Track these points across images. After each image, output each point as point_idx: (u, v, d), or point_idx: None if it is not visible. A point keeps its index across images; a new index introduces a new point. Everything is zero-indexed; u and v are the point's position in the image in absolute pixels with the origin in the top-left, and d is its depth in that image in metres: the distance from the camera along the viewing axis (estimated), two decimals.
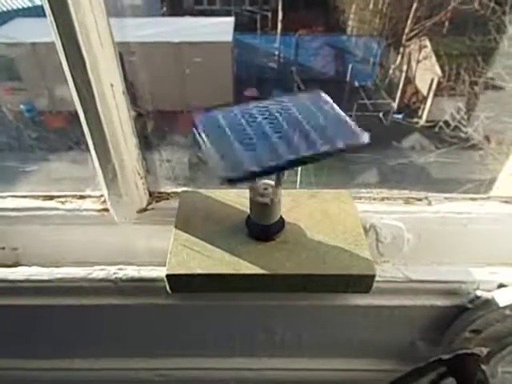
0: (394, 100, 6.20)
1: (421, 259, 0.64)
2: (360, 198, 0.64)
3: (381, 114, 5.82)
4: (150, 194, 0.65)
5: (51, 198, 0.66)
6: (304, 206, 0.58)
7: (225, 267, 0.50)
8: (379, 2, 6.43)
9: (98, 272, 0.55)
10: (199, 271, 0.50)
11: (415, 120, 5.64)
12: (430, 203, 0.65)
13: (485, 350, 0.56)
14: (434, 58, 5.91)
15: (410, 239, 0.62)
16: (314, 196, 0.60)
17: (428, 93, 5.80)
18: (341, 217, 0.57)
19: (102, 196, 0.64)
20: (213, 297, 0.57)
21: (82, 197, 0.65)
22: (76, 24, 0.43)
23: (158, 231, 0.63)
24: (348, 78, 6.33)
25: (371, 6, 6.49)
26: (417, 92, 6.17)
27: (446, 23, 6.24)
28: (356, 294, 0.55)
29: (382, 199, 0.65)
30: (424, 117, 5.64)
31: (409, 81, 6.35)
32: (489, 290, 0.52)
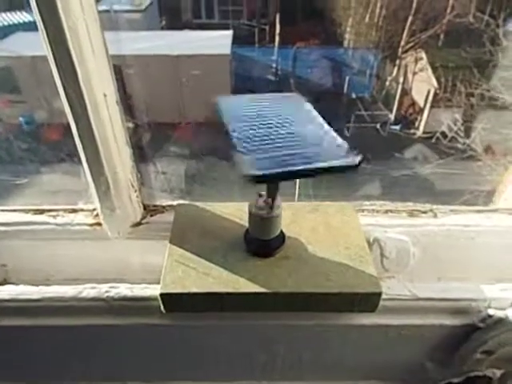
0: (391, 111, 6.25)
1: (426, 275, 0.61)
2: (362, 211, 0.62)
3: (378, 125, 5.84)
4: (145, 208, 0.63)
5: (42, 211, 0.63)
6: (305, 220, 0.56)
7: (222, 286, 0.47)
8: (375, 16, 6.51)
9: (88, 290, 0.52)
10: (195, 290, 0.47)
11: (412, 131, 5.66)
12: (435, 216, 0.62)
13: (498, 373, 0.53)
14: (429, 70, 5.96)
15: (416, 253, 0.60)
16: (315, 209, 0.57)
17: (425, 104, 5.84)
18: (344, 231, 0.54)
19: (94, 210, 0.61)
20: (210, 317, 0.54)
21: (74, 210, 0.63)
22: (66, 30, 0.41)
23: (153, 246, 0.61)
24: (345, 90, 6.38)
25: (367, 19, 6.58)
26: (413, 103, 6.22)
27: (442, 36, 6.32)
28: (361, 313, 0.52)
29: (386, 212, 0.63)
30: (421, 128, 5.66)
31: (405, 92, 6.41)
32: (501, 309, 0.50)
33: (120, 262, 0.61)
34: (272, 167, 0.36)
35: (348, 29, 6.75)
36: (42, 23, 0.40)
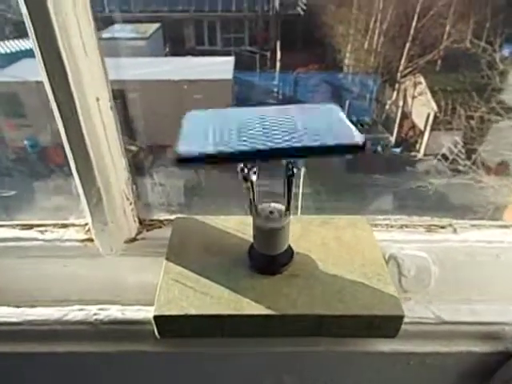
0: (391, 134, 6.28)
1: (447, 296, 0.55)
2: (376, 226, 0.57)
3: (379, 148, 5.86)
4: (140, 222, 0.58)
5: (30, 226, 0.58)
6: (315, 234, 0.51)
7: (224, 307, 0.42)
8: (373, 42, 6.65)
9: (75, 313, 0.47)
10: (193, 312, 0.42)
11: (413, 153, 5.67)
12: (455, 231, 0.58)
13: None
14: (429, 94, 6.03)
15: (436, 272, 0.54)
16: (326, 222, 0.53)
17: (425, 127, 5.88)
18: (358, 246, 0.49)
19: (86, 224, 0.57)
20: (210, 343, 0.48)
21: (64, 225, 0.58)
22: (56, 26, 0.37)
23: (149, 264, 0.56)
24: (346, 113, 6.42)
25: (366, 45, 6.72)
26: (414, 126, 6.25)
27: (439, 61, 6.43)
28: (380, 339, 0.47)
29: (401, 227, 0.58)
30: (422, 150, 5.66)
31: (405, 115, 6.46)
32: None
33: (113, 282, 0.56)
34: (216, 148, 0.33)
35: (347, 55, 6.88)
36: (29, 19, 0.37)
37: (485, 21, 5.78)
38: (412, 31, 6.52)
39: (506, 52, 5.22)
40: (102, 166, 0.48)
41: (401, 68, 6.56)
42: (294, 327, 0.43)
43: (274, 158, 0.34)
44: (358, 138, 0.34)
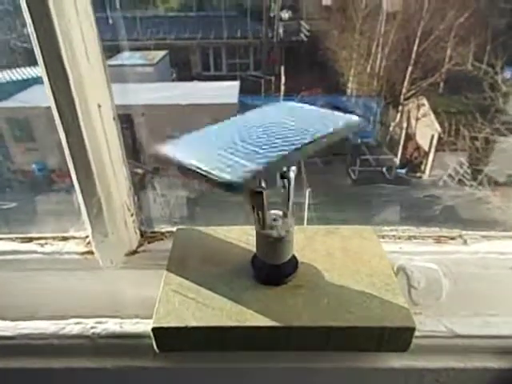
0: (396, 155, 6.28)
1: (460, 309, 0.53)
2: (383, 237, 0.56)
3: (384, 169, 5.86)
4: (142, 234, 0.57)
5: (30, 239, 0.57)
6: (320, 244, 0.49)
7: (226, 319, 0.40)
8: (376, 66, 6.77)
9: (71, 326, 0.45)
10: (194, 324, 0.40)
11: (418, 174, 5.65)
12: (465, 242, 0.56)
13: None
14: (432, 116, 6.07)
15: (446, 285, 0.52)
16: (331, 232, 0.51)
17: (429, 148, 5.88)
18: (365, 256, 0.48)
19: (87, 237, 0.56)
20: (211, 358, 0.46)
21: (64, 238, 0.57)
22: (58, 31, 0.38)
23: (150, 277, 0.54)
24: (350, 136, 6.48)
25: (368, 69, 6.83)
26: (418, 148, 6.26)
27: (442, 83, 6.51)
28: (390, 354, 0.44)
29: (409, 238, 0.56)
30: (427, 171, 5.65)
31: (409, 137, 6.48)
32: None
33: (112, 296, 0.55)
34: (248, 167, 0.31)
35: (350, 78, 6.99)
36: (32, 25, 0.38)
37: (485, 44, 5.88)
38: (414, 55, 6.64)
39: (507, 74, 5.27)
40: (102, 176, 0.48)
41: (404, 91, 6.64)
42: (300, 340, 0.41)
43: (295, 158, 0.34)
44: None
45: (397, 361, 0.44)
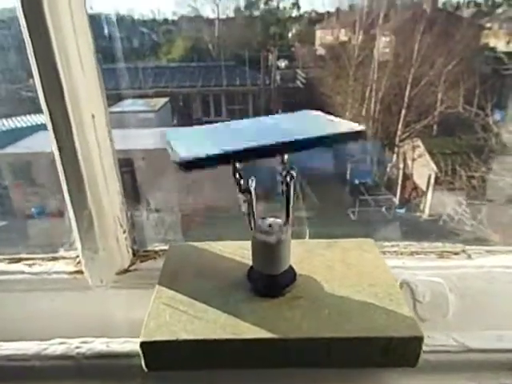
0: (394, 195, 6.31)
1: (469, 323, 0.50)
2: (384, 253, 0.54)
3: (383, 209, 5.85)
4: (134, 254, 0.55)
5: (18, 260, 0.55)
6: (319, 257, 0.47)
7: (220, 331, 0.38)
8: (370, 110, 6.99)
9: (55, 347, 0.42)
10: (185, 337, 0.37)
11: (418, 214, 5.64)
12: (469, 257, 0.54)
13: None
14: (428, 156, 6.17)
15: (453, 299, 0.50)
16: (330, 245, 0.49)
17: (427, 188, 5.91)
18: (366, 268, 0.46)
19: (77, 257, 0.54)
20: (204, 379, 0.43)
21: (54, 258, 0.55)
22: (53, 38, 0.38)
23: (141, 298, 0.51)
24: (348, 177, 6.56)
25: (363, 112, 7.05)
26: (416, 187, 6.30)
27: (435, 125, 6.69)
28: (398, 370, 0.41)
29: (411, 253, 0.54)
30: (426, 211, 5.64)
31: (407, 177, 6.55)
32: None
33: (102, 317, 0.52)
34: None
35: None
36: (28, 35, 0.38)
37: (474, 88, 6.13)
38: (406, 99, 6.88)
39: (497, 116, 5.44)
40: (94, 188, 0.47)
41: (398, 133, 6.81)
42: (298, 354, 0.38)
43: (281, 152, 0.34)
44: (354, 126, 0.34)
45: (405, 378, 0.41)
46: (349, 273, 0.45)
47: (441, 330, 0.46)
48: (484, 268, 0.52)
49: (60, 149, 0.43)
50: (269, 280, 0.42)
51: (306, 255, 0.48)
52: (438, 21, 6.73)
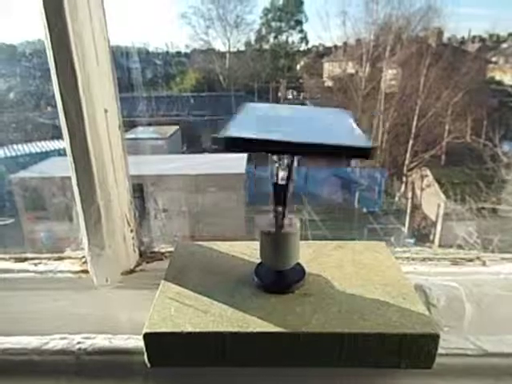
0: (403, 225, 6.22)
1: (485, 332, 0.48)
2: (396, 258, 0.52)
3: (392, 239, 5.76)
4: (141, 254, 0.54)
5: (24, 259, 0.55)
6: (329, 257, 0.46)
7: (226, 325, 0.36)
8: (378, 139, 7.04)
9: (56, 341, 0.41)
10: (190, 329, 0.36)
11: (428, 244, 5.54)
12: (484, 264, 0.52)
13: None
14: (437, 186, 6.13)
15: (469, 306, 0.48)
16: (341, 246, 0.48)
17: (436, 218, 5.84)
18: (378, 268, 0.44)
19: (83, 257, 0.53)
20: (207, 380, 0.41)
21: (60, 258, 0.55)
22: (70, 31, 0.40)
23: (146, 298, 0.50)
24: (356, 205, 6.53)
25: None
26: (425, 217, 6.22)
27: (443, 155, 6.69)
28: (413, 374, 0.39)
29: (423, 259, 0.53)
30: (436, 241, 5.54)
31: (416, 207, 6.48)
32: None
33: (105, 318, 0.50)
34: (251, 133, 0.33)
35: None
36: (47, 29, 0.40)
37: (482, 120, 6.16)
38: (414, 129, 6.93)
39: (506, 147, 5.43)
40: (103, 183, 0.47)
41: (406, 162, 6.81)
42: (309, 351, 0.36)
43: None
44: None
45: (419, 383, 0.38)
46: (360, 272, 0.43)
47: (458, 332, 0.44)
48: (500, 275, 0.50)
49: (71, 139, 0.44)
50: (277, 276, 0.41)
51: (315, 255, 0.47)
52: (444, 55, 6.88)
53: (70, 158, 0.45)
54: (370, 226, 5.85)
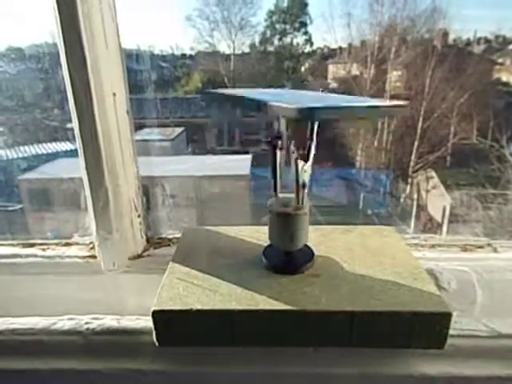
0: (408, 227, 6.18)
1: (497, 315, 0.47)
2: None
3: None
4: (148, 240, 0.54)
5: (32, 245, 0.55)
6: (337, 240, 0.46)
7: (235, 303, 0.36)
8: (383, 141, 7.01)
9: (64, 322, 0.41)
10: (199, 307, 0.36)
11: None
12: (495, 250, 0.51)
13: None
14: (442, 187, 6.09)
15: (480, 291, 0.47)
16: (349, 231, 0.48)
17: (442, 220, 5.79)
18: (387, 251, 0.44)
19: (91, 243, 0.53)
20: (216, 361, 0.40)
21: (68, 244, 0.55)
22: (80, 13, 0.40)
23: (154, 283, 0.49)
24: (361, 206, 6.50)
25: (376, 143, 7.07)
26: (431, 219, 6.18)
27: (449, 157, 6.65)
28: (424, 358, 0.38)
29: (433, 246, 0.52)
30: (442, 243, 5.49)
31: (421, 208, 6.44)
32: None
33: (113, 301, 0.50)
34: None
35: (359, 152, 7.21)
36: (57, 11, 0.40)
37: (488, 121, 6.12)
38: (419, 131, 6.89)
39: None
40: (112, 166, 0.47)
41: (411, 163, 6.77)
42: (318, 330, 0.36)
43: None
44: None
45: (432, 366, 0.38)
46: (369, 254, 0.43)
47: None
48: None
49: (80, 122, 0.44)
50: (286, 257, 0.40)
51: (324, 239, 0.46)
52: (449, 56, 6.85)
53: (78, 140, 0.45)
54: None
